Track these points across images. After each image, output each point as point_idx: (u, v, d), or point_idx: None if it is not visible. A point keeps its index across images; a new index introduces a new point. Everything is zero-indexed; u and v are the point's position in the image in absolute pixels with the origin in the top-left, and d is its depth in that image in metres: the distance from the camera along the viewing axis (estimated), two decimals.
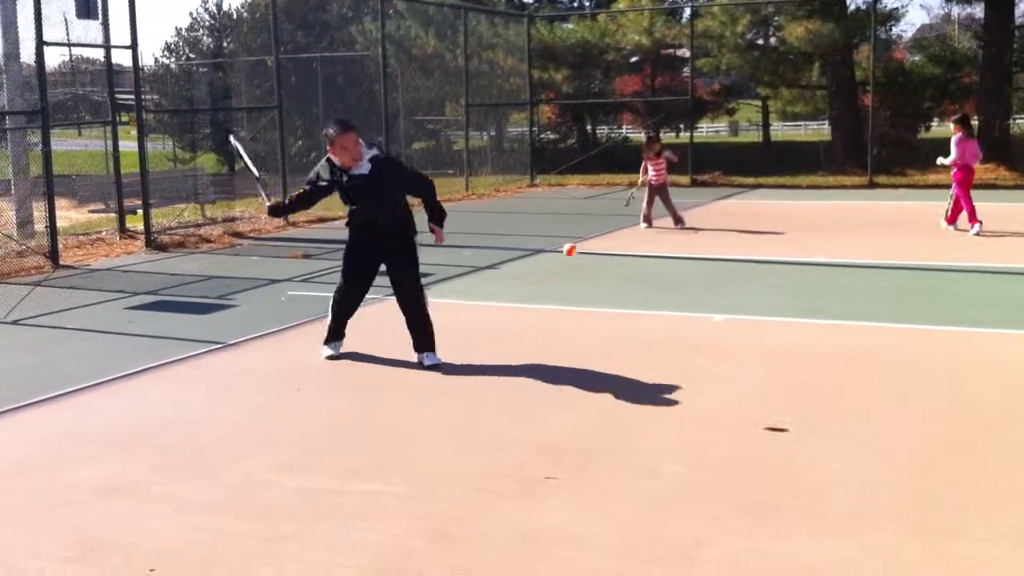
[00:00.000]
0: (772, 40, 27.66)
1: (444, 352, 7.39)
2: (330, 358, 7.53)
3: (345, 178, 7.27)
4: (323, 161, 7.43)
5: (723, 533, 4.35)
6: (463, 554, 4.22)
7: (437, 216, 7.60)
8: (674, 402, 6.31)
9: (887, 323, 8.42)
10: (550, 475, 5.06)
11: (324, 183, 7.42)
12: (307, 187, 7.56)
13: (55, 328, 8.88)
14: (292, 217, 16.78)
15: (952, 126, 14.52)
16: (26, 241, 13.43)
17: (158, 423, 6.13)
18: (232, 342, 8.11)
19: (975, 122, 23.92)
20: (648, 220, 15.19)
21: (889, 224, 15.26)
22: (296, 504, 4.79)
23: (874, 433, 5.66)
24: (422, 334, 7.41)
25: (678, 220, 15.09)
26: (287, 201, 8.10)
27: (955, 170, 14.14)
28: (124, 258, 13.11)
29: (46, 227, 12.74)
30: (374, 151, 7.28)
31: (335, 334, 7.66)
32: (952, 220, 14.32)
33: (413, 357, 7.42)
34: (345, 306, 7.63)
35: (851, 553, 4.14)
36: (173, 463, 5.40)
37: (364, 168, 7.24)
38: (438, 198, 7.60)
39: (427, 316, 7.45)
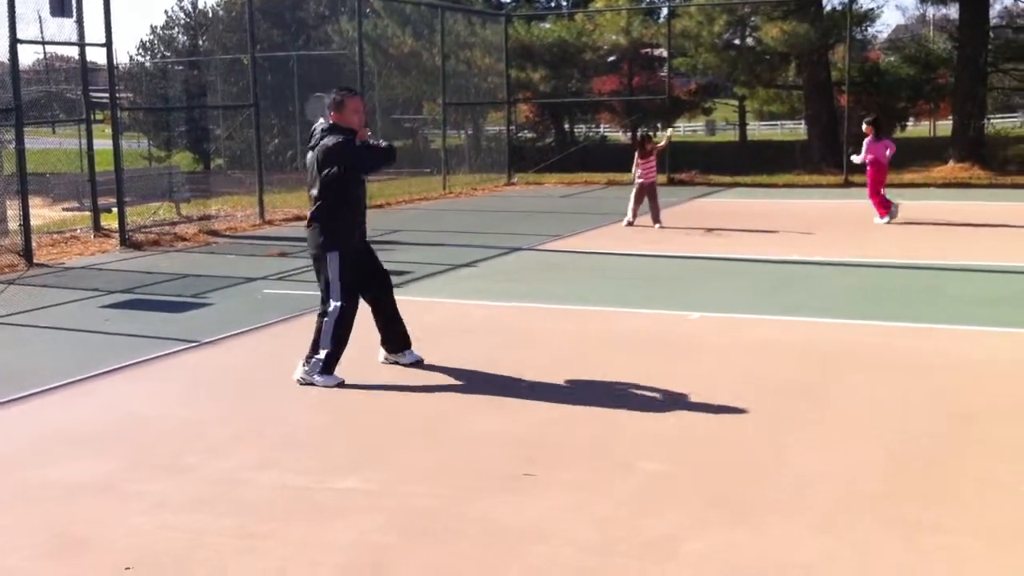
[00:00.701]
0: (749, 40, 27.74)
1: (421, 349, 7.37)
2: (340, 385, 6.76)
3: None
4: (338, 137, 6.74)
5: (700, 528, 4.36)
6: (439, 550, 4.21)
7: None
8: (651, 398, 6.32)
9: (863, 320, 8.46)
10: (527, 471, 5.06)
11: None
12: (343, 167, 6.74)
13: (29, 327, 8.81)
14: (268, 215, 16.74)
15: (865, 127, 15.40)
16: None
17: (133, 421, 6.09)
18: (207, 340, 8.07)
19: (950, 121, 24.12)
20: (633, 217, 15.22)
21: (864, 222, 15.33)
22: (272, 501, 4.77)
23: (852, 428, 5.68)
24: (403, 329, 7.22)
25: (656, 220, 15.11)
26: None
27: (868, 167, 15.11)
28: (99, 256, 13.02)
29: (20, 225, 12.63)
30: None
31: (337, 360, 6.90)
32: (884, 214, 15.13)
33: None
34: (351, 326, 6.93)
35: (829, 547, 4.16)
36: (148, 461, 5.37)
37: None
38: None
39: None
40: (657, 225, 14.96)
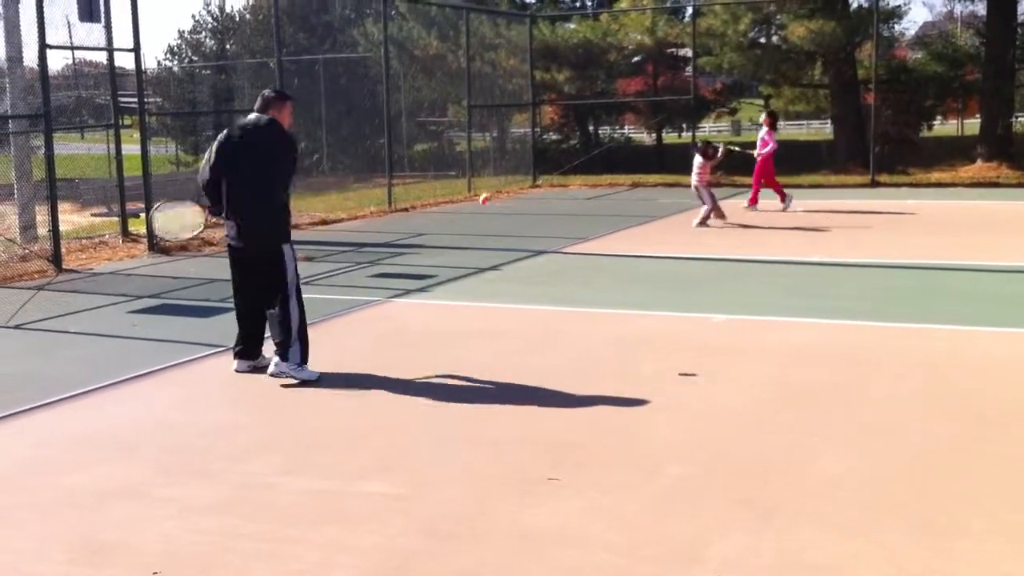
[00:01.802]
0: (774, 39, 27.63)
1: (445, 353, 7.38)
2: (318, 379, 6.99)
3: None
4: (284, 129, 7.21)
5: (726, 531, 4.36)
6: (465, 555, 4.23)
7: None
8: (676, 401, 6.32)
9: (889, 322, 8.42)
10: (552, 475, 5.07)
11: None
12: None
13: (59, 332, 8.89)
14: (294, 219, 16.77)
15: (764, 118, 17.30)
16: (29, 245, 13.45)
17: (161, 426, 6.14)
18: (232, 346, 8.10)
19: (978, 119, 23.92)
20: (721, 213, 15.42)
21: (891, 222, 15.25)
22: (299, 505, 4.80)
23: (878, 430, 5.66)
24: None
25: (706, 219, 15.36)
26: None
27: (761, 158, 16.77)
28: (127, 262, 13.13)
29: (49, 231, 12.75)
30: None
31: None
32: (781, 200, 16.86)
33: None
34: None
35: (855, 550, 4.15)
36: (176, 466, 5.42)
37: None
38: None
39: None
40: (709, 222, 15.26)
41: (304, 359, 7.00)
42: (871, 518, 4.46)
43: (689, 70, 28.23)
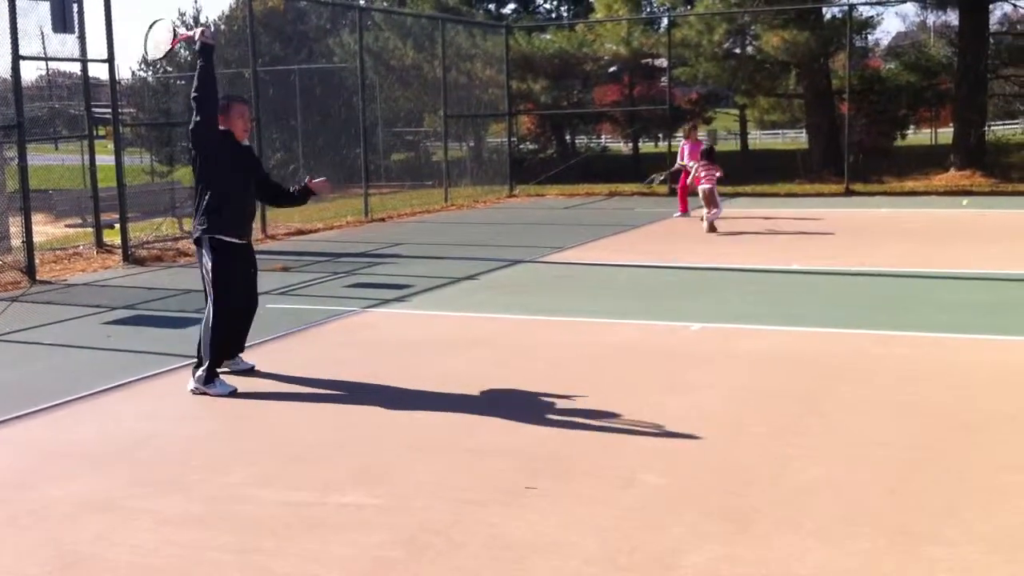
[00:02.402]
0: (749, 49, 27.82)
1: (422, 363, 7.37)
2: (232, 394, 6.88)
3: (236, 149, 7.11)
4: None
5: (701, 540, 4.36)
6: (443, 565, 4.22)
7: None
8: (652, 410, 6.32)
9: (864, 329, 8.47)
10: (529, 485, 5.07)
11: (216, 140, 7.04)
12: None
13: (32, 344, 8.83)
14: (270, 230, 16.76)
15: (687, 132, 18.46)
16: (2, 256, 13.35)
17: (135, 438, 6.10)
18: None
19: (951, 128, 24.13)
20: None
21: (865, 231, 15.35)
22: (275, 517, 4.78)
23: (854, 438, 5.69)
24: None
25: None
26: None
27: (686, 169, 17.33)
28: (101, 273, 13.05)
29: (23, 242, 12.66)
30: None
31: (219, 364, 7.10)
32: (684, 209, 17.67)
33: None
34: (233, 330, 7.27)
35: (830, 557, 4.16)
36: (151, 478, 5.38)
37: (246, 144, 7.28)
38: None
39: None
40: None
41: (213, 373, 7.06)
42: (847, 526, 4.47)
43: (665, 80, 28.36)
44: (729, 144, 43.00)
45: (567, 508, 4.77)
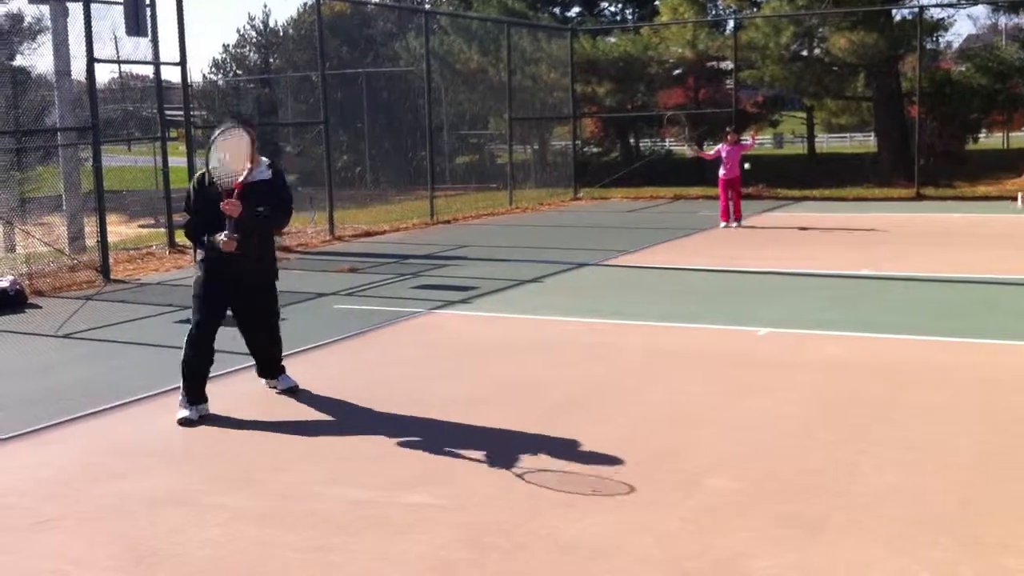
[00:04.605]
0: (816, 51, 27.50)
1: (487, 364, 7.39)
2: (186, 422, 6.42)
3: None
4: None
5: (770, 546, 4.33)
6: (507, 567, 4.23)
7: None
8: (718, 415, 6.29)
9: (936, 336, 8.34)
10: (594, 488, 5.07)
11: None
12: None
13: (106, 341, 9.01)
14: (338, 231, 16.92)
15: (729, 137, 17.52)
16: (78, 256, 13.64)
17: (207, 435, 6.21)
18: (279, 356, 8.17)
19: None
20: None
21: (937, 236, 15.11)
22: (341, 515, 4.83)
23: (925, 445, 5.60)
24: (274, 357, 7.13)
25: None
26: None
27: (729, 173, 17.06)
28: (173, 272, 13.28)
29: (97, 242, 12.93)
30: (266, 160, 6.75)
31: (197, 394, 6.60)
32: (725, 218, 17.06)
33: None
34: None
35: (902, 566, 4.11)
36: (222, 474, 5.47)
37: (265, 174, 6.62)
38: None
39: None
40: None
41: (189, 399, 6.59)
42: (918, 534, 4.41)
43: (730, 83, 28.15)
44: (796, 148, 42.56)
45: (631, 512, 4.76)
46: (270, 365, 7.10)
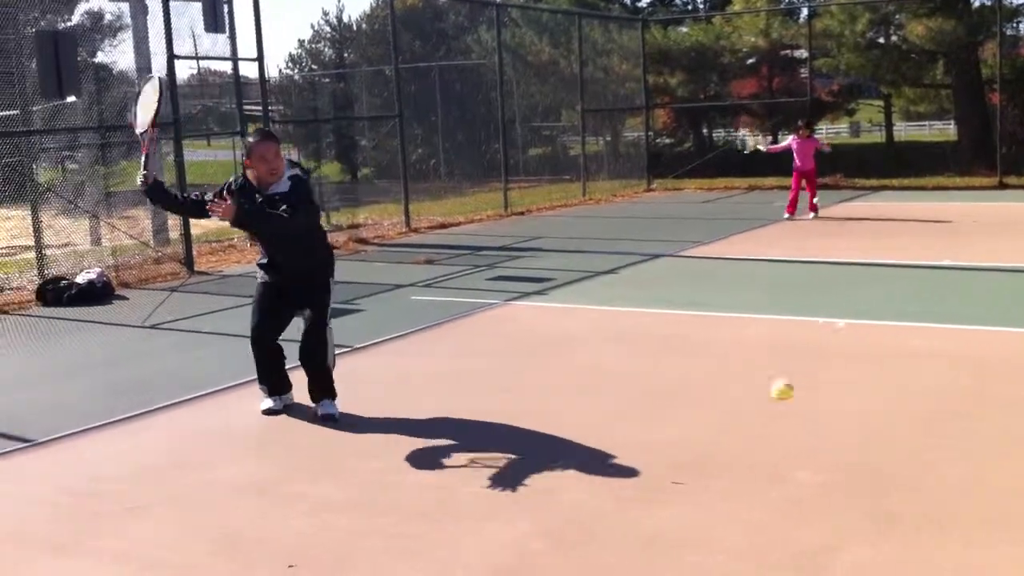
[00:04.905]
0: (893, 38, 27.04)
1: (562, 356, 7.41)
2: (269, 412, 6.53)
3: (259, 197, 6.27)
4: (236, 176, 6.53)
5: (852, 540, 4.31)
6: (587, 557, 4.27)
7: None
8: (799, 407, 6.25)
9: (1020, 328, 8.19)
10: (675, 479, 5.08)
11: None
12: (209, 195, 6.47)
13: (191, 332, 9.22)
14: (413, 223, 17.06)
15: (800, 130, 17.14)
16: (162, 248, 13.95)
17: (290, 424, 6.32)
18: (358, 346, 8.31)
19: None
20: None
21: (1020, 226, 14.79)
22: (424, 503, 4.90)
23: (1009, 439, 5.52)
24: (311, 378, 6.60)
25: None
26: (177, 195, 6.95)
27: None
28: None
29: (181, 235, 13.22)
30: (296, 170, 6.42)
31: (277, 385, 6.66)
32: (791, 210, 16.84)
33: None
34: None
35: (987, 560, 4.07)
36: (306, 462, 5.58)
37: (283, 186, 6.28)
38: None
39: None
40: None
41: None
42: (1001, 529, 4.36)
43: (805, 71, 27.80)
44: (873, 136, 41.88)
45: (714, 503, 4.77)
46: (317, 380, 6.50)
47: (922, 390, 6.55)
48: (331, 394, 6.49)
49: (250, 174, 6.34)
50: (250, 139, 6.49)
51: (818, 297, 9.89)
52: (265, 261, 6.60)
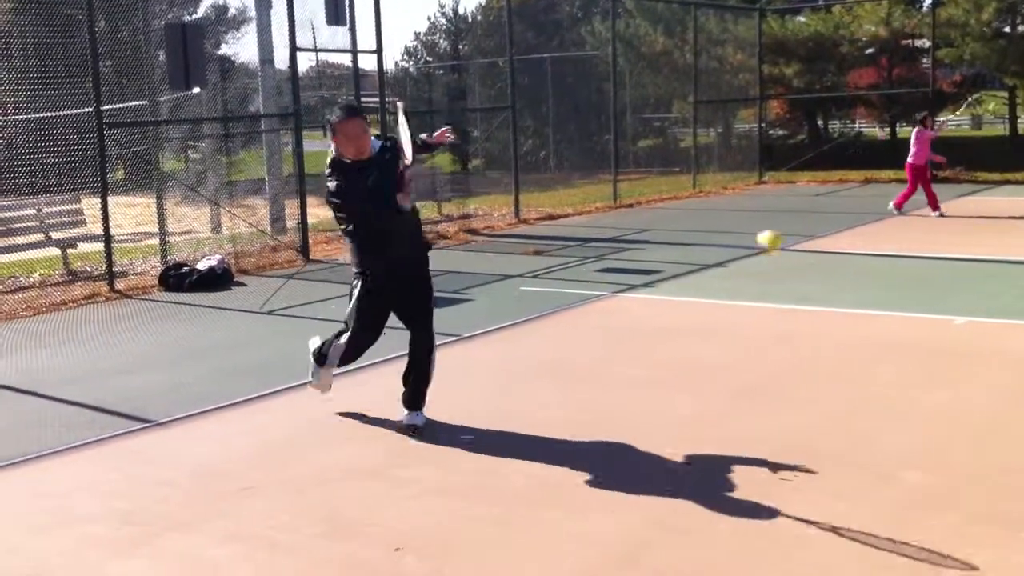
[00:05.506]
0: (1020, 28, 26.12)
1: (669, 348, 7.39)
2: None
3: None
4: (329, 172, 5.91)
5: (967, 542, 4.22)
6: (693, 549, 4.27)
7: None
8: (912, 406, 6.14)
9: None
10: (783, 477, 5.05)
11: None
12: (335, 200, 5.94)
13: (307, 319, 9.44)
14: (523, 214, 17.15)
15: (925, 121, 16.51)
16: (279, 236, 14.30)
17: (399, 410, 6.43)
18: (468, 335, 8.42)
19: None
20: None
21: None
22: (530, 490, 4.96)
23: None
24: (414, 386, 6.12)
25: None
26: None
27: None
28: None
29: (297, 223, 13.53)
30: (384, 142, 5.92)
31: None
32: (899, 204, 16.21)
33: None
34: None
35: None
36: (413, 448, 5.69)
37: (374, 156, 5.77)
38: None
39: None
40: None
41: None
42: None
43: (927, 61, 27.04)
44: (996, 129, 40.53)
45: (823, 502, 4.71)
46: (419, 383, 6.07)
47: None
48: (421, 405, 6.06)
49: (346, 150, 5.68)
50: (332, 117, 5.74)
51: (934, 294, 9.65)
52: (370, 256, 6.05)
